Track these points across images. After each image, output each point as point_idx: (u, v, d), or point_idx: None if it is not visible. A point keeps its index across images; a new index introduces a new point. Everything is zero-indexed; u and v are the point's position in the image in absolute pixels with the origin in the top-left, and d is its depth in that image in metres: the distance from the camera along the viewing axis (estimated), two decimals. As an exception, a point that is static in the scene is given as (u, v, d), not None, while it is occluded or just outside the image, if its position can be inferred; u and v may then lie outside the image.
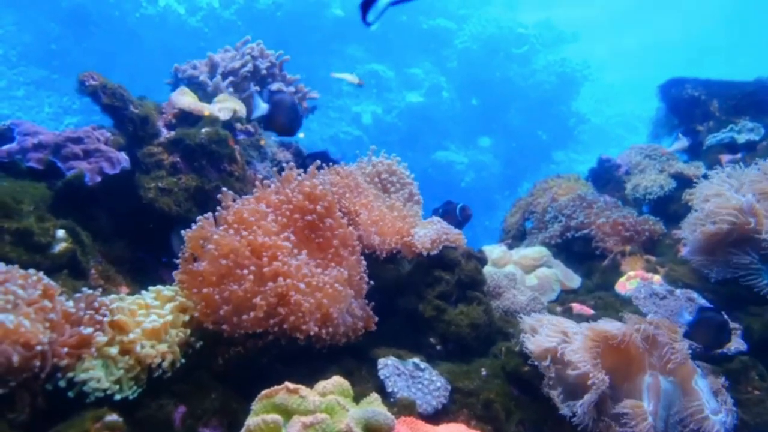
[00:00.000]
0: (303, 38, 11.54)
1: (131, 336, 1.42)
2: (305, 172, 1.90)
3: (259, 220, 1.71)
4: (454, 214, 2.44)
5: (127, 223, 2.07)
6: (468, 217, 2.45)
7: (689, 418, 1.53)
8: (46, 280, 1.40)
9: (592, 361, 1.54)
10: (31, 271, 1.39)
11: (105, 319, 1.41)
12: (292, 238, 1.72)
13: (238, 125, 2.48)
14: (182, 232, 1.70)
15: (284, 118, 1.90)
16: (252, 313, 1.54)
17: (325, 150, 2.37)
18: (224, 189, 1.79)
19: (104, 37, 10.64)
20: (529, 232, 3.31)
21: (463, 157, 12.40)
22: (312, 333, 1.56)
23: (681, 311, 2.08)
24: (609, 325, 1.65)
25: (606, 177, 3.58)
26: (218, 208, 1.74)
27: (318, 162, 1.97)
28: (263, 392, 1.30)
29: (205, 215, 1.72)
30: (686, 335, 1.86)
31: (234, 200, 1.78)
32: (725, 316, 1.92)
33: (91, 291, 1.46)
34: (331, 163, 2.16)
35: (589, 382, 1.51)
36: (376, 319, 1.85)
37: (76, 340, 1.33)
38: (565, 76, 12.77)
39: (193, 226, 1.70)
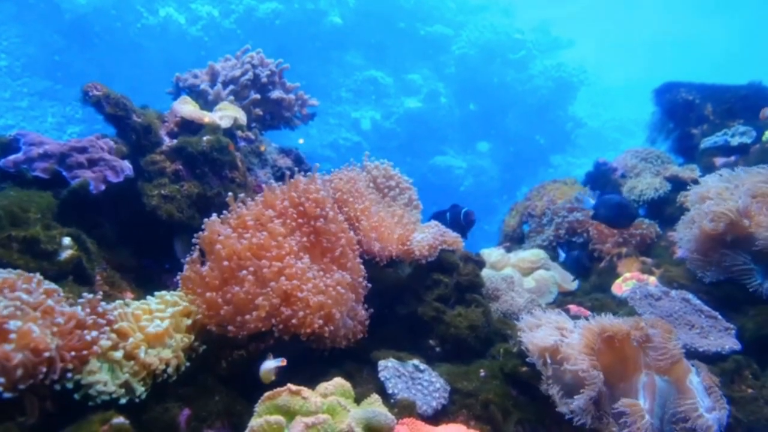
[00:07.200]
0: (302, 46, 11.63)
1: (133, 340, 1.45)
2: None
3: (264, 224, 1.75)
4: (459, 219, 2.46)
5: (130, 230, 2.10)
6: (471, 222, 2.46)
7: (684, 415, 1.55)
8: (50, 284, 1.43)
9: (589, 357, 1.57)
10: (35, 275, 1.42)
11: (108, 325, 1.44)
12: (297, 240, 1.76)
13: (239, 133, 2.52)
14: (198, 234, 1.74)
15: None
16: (255, 313, 1.58)
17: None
18: (230, 194, 1.85)
19: (106, 47, 10.73)
20: (527, 236, 3.34)
21: (461, 161, 12.46)
22: (317, 327, 1.59)
23: (585, 199, 2.76)
24: (605, 321, 1.68)
25: (603, 180, 3.61)
26: (224, 212, 1.78)
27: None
28: (266, 394, 1.33)
29: (213, 217, 1.76)
30: (594, 217, 2.52)
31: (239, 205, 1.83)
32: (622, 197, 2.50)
33: (93, 295, 1.49)
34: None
35: (584, 376, 1.54)
36: (367, 322, 1.87)
37: (82, 344, 1.36)
38: (561, 81, 12.85)
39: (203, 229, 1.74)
